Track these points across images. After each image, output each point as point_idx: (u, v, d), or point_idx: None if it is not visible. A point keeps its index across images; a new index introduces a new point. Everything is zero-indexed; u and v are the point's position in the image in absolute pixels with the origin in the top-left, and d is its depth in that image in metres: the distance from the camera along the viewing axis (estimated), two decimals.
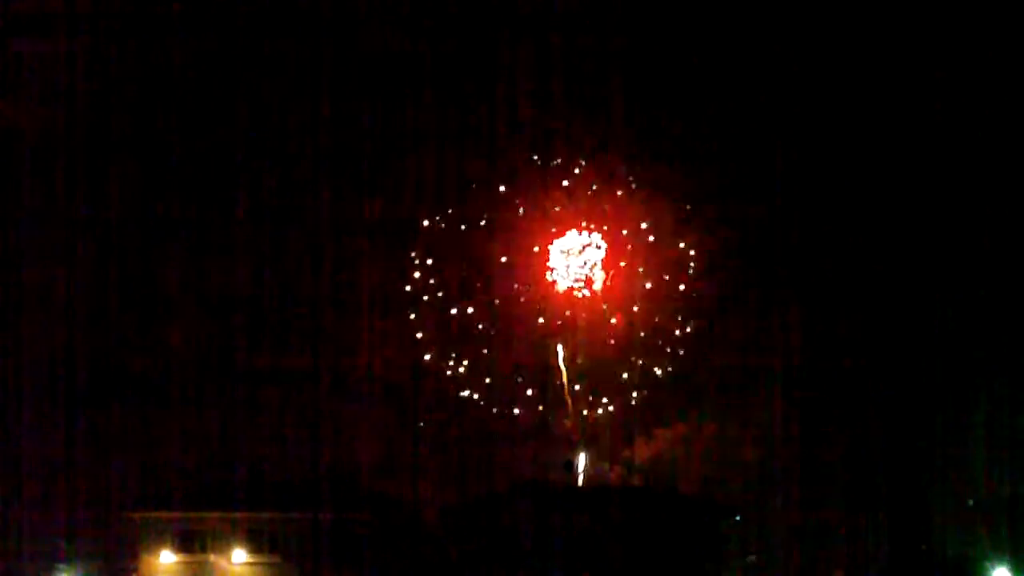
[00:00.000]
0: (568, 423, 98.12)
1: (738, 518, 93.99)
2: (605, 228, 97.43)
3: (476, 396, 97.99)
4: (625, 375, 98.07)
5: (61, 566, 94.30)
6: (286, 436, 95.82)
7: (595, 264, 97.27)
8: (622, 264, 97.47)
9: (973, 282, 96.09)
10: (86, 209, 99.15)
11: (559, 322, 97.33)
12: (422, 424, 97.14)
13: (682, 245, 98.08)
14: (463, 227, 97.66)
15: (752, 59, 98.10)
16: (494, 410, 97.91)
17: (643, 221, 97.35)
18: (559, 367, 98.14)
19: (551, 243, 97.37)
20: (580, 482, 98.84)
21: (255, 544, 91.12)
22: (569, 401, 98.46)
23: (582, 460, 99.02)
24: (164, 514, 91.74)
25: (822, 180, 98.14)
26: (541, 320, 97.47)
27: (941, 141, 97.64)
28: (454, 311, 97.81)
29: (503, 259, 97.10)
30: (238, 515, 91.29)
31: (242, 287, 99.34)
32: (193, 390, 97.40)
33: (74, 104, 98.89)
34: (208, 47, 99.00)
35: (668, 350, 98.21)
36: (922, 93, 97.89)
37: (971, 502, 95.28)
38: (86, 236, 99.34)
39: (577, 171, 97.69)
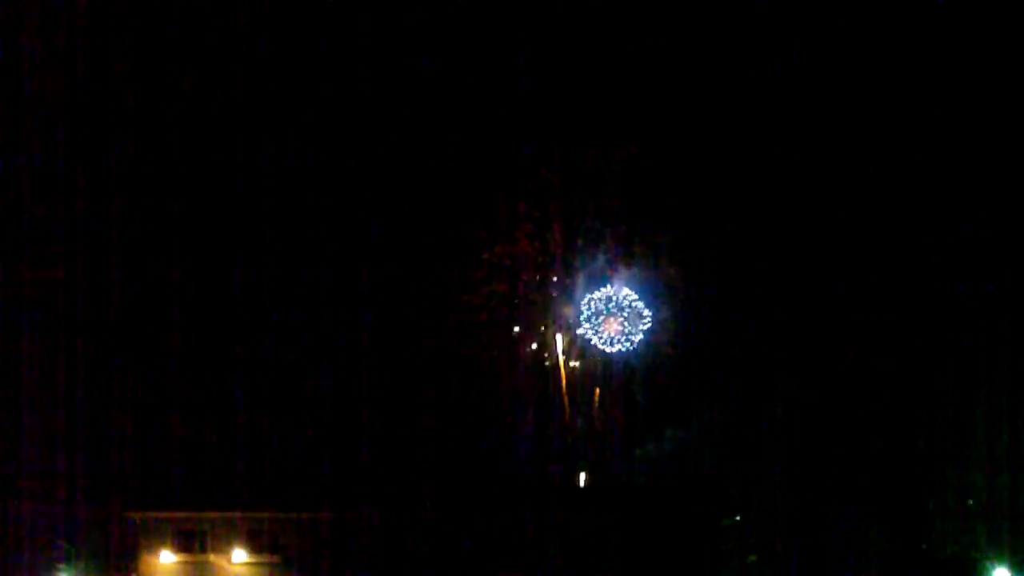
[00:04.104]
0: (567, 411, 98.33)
1: (738, 518, 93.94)
2: None
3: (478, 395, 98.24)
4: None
5: (61, 566, 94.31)
6: (286, 436, 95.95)
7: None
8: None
9: (974, 283, 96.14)
10: (88, 208, 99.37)
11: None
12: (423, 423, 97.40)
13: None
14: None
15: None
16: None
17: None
18: (560, 367, 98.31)
19: None
20: (582, 481, 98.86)
21: (255, 544, 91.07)
22: (567, 401, 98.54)
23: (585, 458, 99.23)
24: (164, 514, 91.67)
25: (822, 176, 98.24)
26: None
27: (941, 142, 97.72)
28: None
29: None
30: (238, 515, 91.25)
31: (241, 286, 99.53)
32: (193, 390, 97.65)
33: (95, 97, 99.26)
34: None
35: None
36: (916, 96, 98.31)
37: (971, 502, 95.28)
38: (87, 235, 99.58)
39: None
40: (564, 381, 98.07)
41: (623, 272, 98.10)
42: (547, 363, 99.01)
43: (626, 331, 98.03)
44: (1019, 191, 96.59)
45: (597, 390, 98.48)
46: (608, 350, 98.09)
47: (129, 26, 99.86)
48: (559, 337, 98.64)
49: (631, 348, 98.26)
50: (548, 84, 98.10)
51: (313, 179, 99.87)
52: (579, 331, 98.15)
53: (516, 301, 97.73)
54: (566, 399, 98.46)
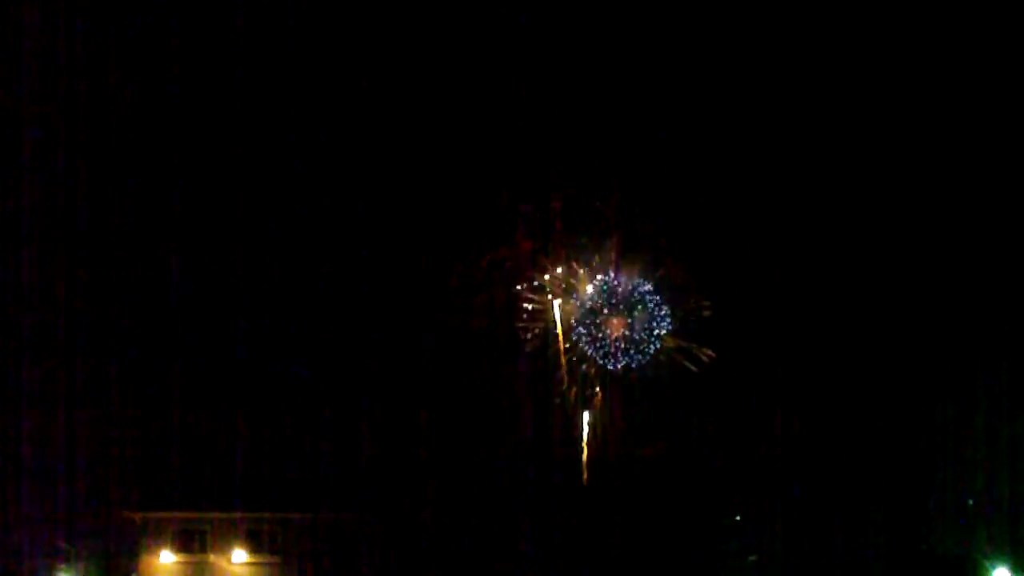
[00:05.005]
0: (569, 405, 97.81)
1: (738, 518, 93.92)
2: None
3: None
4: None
5: (61, 566, 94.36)
6: (286, 436, 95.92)
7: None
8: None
9: (974, 282, 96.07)
10: (88, 207, 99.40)
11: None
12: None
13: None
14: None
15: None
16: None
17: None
18: (561, 361, 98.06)
19: None
20: (583, 481, 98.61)
21: (255, 544, 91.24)
22: (572, 400, 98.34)
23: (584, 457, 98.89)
24: (164, 514, 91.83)
25: (820, 175, 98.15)
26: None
27: (941, 141, 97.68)
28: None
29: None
30: (238, 515, 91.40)
31: (241, 286, 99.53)
32: (194, 390, 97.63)
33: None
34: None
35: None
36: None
37: (971, 502, 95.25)
38: (87, 235, 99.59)
39: None
40: (565, 383, 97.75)
41: (628, 269, 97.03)
42: (549, 361, 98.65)
43: (635, 336, 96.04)
44: (1019, 191, 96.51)
45: (599, 392, 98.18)
46: (611, 366, 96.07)
47: (128, 24, 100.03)
48: (560, 338, 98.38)
49: (642, 361, 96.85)
50: (548, 83, 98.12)
51: (313, 181, 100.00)
52: (575, 337, 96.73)
53: (517, 302, 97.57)
54: (568, 388, 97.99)
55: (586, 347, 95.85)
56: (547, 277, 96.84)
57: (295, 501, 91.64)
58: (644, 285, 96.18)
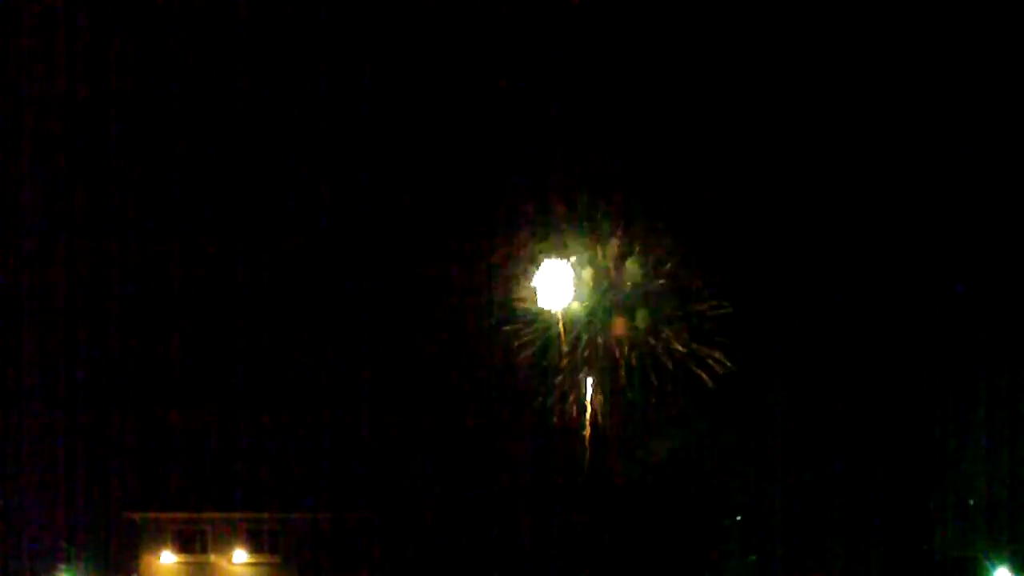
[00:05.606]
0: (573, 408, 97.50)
1: (738, 518, 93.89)
2: None
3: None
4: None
5: (61, 566, 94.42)
6: (286, 436, 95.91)
7: None
8: None
9: (974, 282, 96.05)
10: (88, 206, 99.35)
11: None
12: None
13: None
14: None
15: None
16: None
17: None
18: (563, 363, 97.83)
19: None
20: (583, 480, 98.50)
21: (255, 544, 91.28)
22: (572, 401, 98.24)
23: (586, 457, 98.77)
24: (164, 514, 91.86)
25: (819, 168, 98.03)
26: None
27: (942, 138, 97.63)
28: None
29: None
30: (238, 515, 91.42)
31: (240, 285, 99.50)
32: (193, 389, 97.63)
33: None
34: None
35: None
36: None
37: (971, 502, 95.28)
38: (87, 234, 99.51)
39: None
40: (566, 384, 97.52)
41: (631, 269, 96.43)
42: (550, 362, 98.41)
43: (637, 337, 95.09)
44: (1019, 191, 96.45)
45: (600, 394, 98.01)
46: (612, 367, 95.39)
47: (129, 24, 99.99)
48: (561, 338, 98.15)
49: (644, 362, 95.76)
50: (549, 83, 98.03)
51: (312, 181, 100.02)
52: (574, 340, 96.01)
53: (516, 303, 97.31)
54: (569, 388, 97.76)
55: (587, 348, 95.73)
56: (547, 277, 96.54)
57: (295, 501, 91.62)
58: (647, 285, 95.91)
